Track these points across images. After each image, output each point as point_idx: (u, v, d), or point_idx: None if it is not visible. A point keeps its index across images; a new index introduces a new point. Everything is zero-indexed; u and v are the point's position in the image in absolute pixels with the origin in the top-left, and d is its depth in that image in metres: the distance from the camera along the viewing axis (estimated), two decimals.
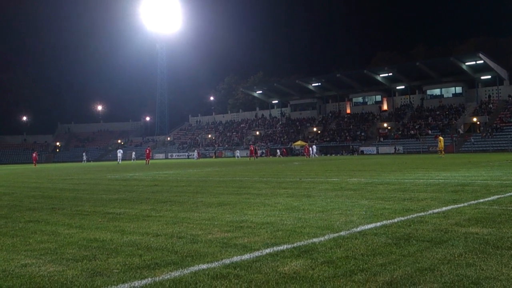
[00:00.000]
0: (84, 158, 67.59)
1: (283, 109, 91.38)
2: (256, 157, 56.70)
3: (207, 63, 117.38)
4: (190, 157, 79.32)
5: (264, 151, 72.20)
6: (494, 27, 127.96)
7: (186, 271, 4.36)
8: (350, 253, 4.80)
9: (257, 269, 4.34)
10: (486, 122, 62.67)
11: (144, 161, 51.30)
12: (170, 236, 6.07)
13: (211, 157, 76.59)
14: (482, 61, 63.22)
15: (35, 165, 56.00)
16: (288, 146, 73.25)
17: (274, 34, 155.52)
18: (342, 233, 5.87)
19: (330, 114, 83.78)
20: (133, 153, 69.76)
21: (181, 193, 11.95)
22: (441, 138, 42.15)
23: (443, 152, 40.73)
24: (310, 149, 58.43)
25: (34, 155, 59.30)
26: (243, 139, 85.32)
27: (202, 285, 3.96)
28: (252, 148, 57.23)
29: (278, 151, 69.82)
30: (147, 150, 51.00)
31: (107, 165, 49.64)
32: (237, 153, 71.28)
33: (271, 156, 68.45)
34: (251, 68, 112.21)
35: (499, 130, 59.76)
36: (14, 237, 6.43)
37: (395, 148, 63.08)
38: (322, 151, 69.08)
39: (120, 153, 58.54)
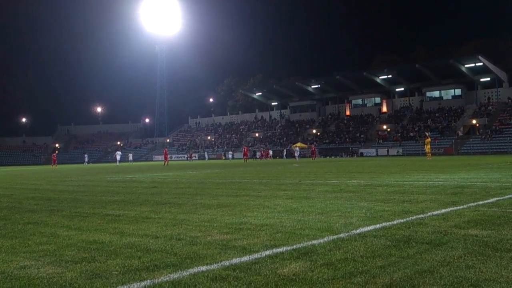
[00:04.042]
0: (86, 159, 67.67)
1: (282, 111, 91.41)
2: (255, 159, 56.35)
3: (206, 65, 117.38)
4: (189, 159, 79.35)
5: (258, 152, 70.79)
6: (494, 28, 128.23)
7: (185, 273, 4.35)
8: (349, 255, 4.79)
9: (256, 271, 4.33)
10: (486, 124, 62.72)
11: (163, 162, 49.58)
12: (169, 238, 6.07)
13: (220, 158, 76.18)
14: (481, 64, 63.30)
15: (55, 166, 54.20)
16: (288, 148, 73.18)
17: (273, 36, 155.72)
18: (342, 235, 5.86)
19: (330, 116, 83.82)
20: (130, 155, 69.83)
21: (180, 195, 11.94)
22: (428, 139, 40.00)
23: (429, 154, 39.37)
24: (263, 152, 56.66)
25: (54, 155, 58.31)
26: (243, 141, 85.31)
27: (201, 287, 3.96)
28: (245, 150, 55.93)
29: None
30: (165, 151, 49.97)
31: (107, 166, 49.63)
32: (230, 154, 71.25)
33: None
34: (250, 70, 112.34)
35: (498, 132, 59.81)
36: (13, 238, 6.42)
37: (387, 151, 63.05)
38: (321, 153, 69.03)
39: (118, 155, 59.15)
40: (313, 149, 56.38)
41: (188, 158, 73.20)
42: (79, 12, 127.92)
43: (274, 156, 69.64)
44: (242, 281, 4.06)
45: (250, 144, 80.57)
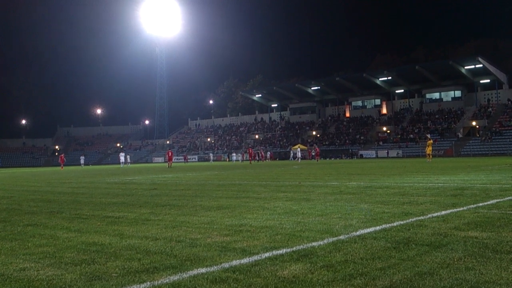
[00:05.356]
0: (82, 161, 67.55)
1: (282, 112, 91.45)
2: (258, 161, 56.24)
3: (206, 67, 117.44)
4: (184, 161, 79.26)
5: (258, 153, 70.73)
6: (494, 30, 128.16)
7: (185, 275, 4.35)
8: (349, 257, 4.79)
9: (256, 273, 4.33)
10: (485, 126, 62.73)
11: (167, 164, 49.08)
12: (169, 240, 6.06)
13: (226, 160, 76.15)
14: (481, 65, 63.31)
15: (62, 167, 52.33)
16: (288, 150, 73.15)
17: (273, 37, 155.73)
18: (342, 237, 5.86)
19: (330, 118, 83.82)
20: (128, 156, 69.85)
21: (180, 197, 11.93)
22: (429, 141, 38.69)
23: (430, 156, 38.32)
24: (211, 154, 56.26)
25: (62, 156, 55.70)
26: (243, 142, 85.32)
27: None
28: (250, 151, 56.19)
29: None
30: (170, 153, 49.27)
31: (106, 168, 49.59)
32: (234, 156, 71.37)
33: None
34: (250, 72, 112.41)
35: (498, 134, 59.83)
36: (13, 240, 6.42)
37: (387, 152, 63.02)
38: (321, 154, 69.01)
39: (122, 156, 59.39)
40: (317, 150, 56.27)
41: (184, 160, 73.69)
42: (80, 14, 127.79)
43: (274, 158, 69.85)
44: (242, 283, 4.05)
45: (250, 146, 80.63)
